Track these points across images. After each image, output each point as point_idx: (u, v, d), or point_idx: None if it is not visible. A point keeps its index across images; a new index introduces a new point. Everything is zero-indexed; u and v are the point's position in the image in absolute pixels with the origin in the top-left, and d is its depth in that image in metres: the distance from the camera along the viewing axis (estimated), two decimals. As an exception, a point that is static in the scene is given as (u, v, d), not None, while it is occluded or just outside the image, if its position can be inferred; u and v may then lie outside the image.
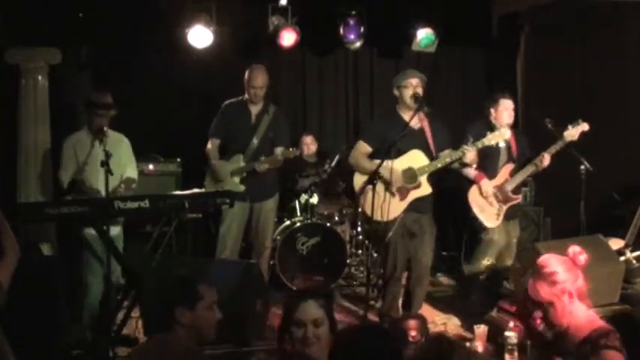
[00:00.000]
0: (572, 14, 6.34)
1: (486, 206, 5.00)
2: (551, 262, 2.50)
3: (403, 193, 4.62)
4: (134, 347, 4.16)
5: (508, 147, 5.06)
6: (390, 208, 4.50)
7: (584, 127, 4.86)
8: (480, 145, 4.55)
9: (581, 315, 2.44)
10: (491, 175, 5.03)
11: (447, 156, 4.56)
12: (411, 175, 4.62)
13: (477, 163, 4.93)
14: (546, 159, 4.89)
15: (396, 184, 4.56)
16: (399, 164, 4.56)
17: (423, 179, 4.62)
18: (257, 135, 5.30)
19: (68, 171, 4.62)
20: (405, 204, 4.63)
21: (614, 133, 6.00)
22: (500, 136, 4.60)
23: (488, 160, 5.03)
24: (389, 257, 4.74)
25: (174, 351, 2.44)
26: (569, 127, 4.85)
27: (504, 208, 4.99)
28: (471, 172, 4.99)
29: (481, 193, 4.99)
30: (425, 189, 4.64)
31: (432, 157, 4.62)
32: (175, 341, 2.47)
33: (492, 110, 5.04)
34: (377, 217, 4.49)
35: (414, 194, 4.63)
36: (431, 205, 4.81)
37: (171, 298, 2.51)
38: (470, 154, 4.52)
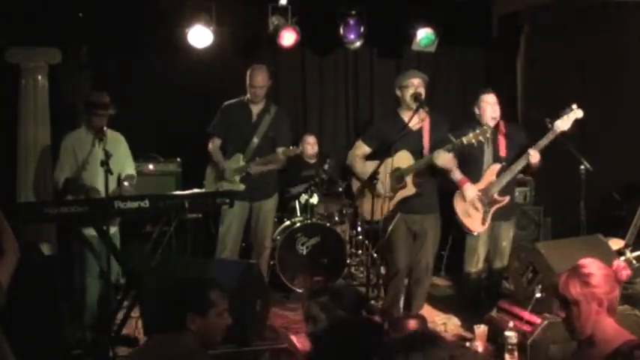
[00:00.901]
0: (572, 14, 6.33)
1: (471, 211, 4.88)
2: (592, 264, 2.41)
3: (390, 193, 4.63)
4: (134, 348, 4.16)
5: (494, 147, 4.92)
6: (381, 207, 4.50)
7: (578, 114, 4.65)
8: (459, 143, 4.49)
9: (608, 328, 2.34)
10: (476, 178, 4.91)
11: (427, 158, 4.56)
12: (397, 176, 4.64)
13: (460, 165, 4.87)
14: (534, 156, 4.69)
15: (385, 184, 4.59)
16: (388, 165, 4.58)
17: (409, 180, 4.63)
18: (257, 134, 5.29)
19: (64, 170, 4.62)
20: (392, 204, 4.64)
21: (614, 133, 5.99)
22: (481, 134, 4.47)
23: (471, 163, 4.92)
24: (390, 255, 4.75)
25: (175, 352, 2.44)
26: (563, 115, 4.66)
27: (490, 211, 4.88)
28: (456, 175, 4.89)
29: (464, 198, 4.89)
30: (409, 189, 4.65)
31: (421, 158, 4.62)
32: (176, 342, 2.47)
33: (476, 108, 4.94)
34: (372, 217, 4.53)
35: (401, 194, 4.66)
36: (435, 206, 4.82)
37: (183, 302, 2.50)
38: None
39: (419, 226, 4.73)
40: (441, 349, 1.88)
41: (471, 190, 4.87)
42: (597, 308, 2.34)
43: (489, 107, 4.88)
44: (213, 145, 5.37)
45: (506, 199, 4.89)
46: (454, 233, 5.60)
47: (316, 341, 2.01)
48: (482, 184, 4.90)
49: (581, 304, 2.36)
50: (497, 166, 4.90)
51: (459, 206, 4.92)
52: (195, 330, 2.46)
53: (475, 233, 4.91)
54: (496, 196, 4.86)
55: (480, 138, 4.49)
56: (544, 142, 4.71)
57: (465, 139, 4.48)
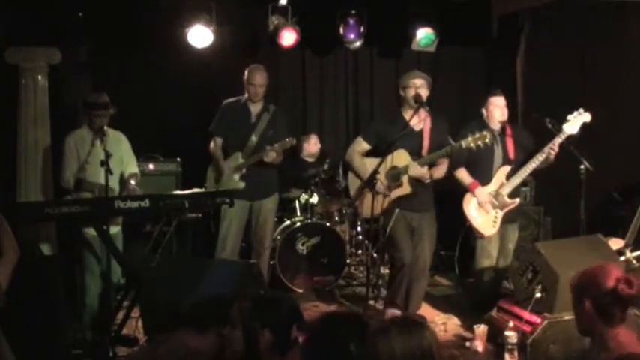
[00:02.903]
0: (572, 14, 6.33)
1: (482, 214, 4.88)
2: (610, 270, 2.38)
3: (387, 191, 4.65)
4: (136, 348, 4.16)
5: (503, 149, 4.91)
6: (380, 204, 4.53)
7: (586, 117, 4.70)
8: (458, 146, 4.48)
9: (607, 337, 2.33)
10: (486, 180, 4.89)
11: (427, 158, 4.59)
12: (394, 175, 4.65)
13: (470, 167, 4.89)
14: (553, 153, 4.71)
15: (382, 182, 4.61)
16: (387, 163, 4.58)
17: (405, 179, 4.64)
18: (256, 133, 5.29)
19: (73, 170, 4.60)
20: (387, 202, 4.64)
21: (613, 133, 5.99)
22: (480, 139, 4.43)
23: (481, 164, 4.90)
24: (395, 250, 4.76)
25: (176, 352, 2.44)
26: (569, 117, 4.71)
27: (501, 214, 4.88)
28: (466, 179, 4.90)
29: (475, 202, 4.88)
30: (405, 189, 4.66)
31: (419, 158, 4.64)
32: (177, 344, 2.46)
33: (484, 110, 4.93)
34: (367, 214, 4.59)
35: (396, 193, 4.67)
36: (431, 204, 4.83)
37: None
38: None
39: (416, 223, 4.77)
40: (423, 331, 1.91)
41: (482, 194, 4.86)
42: (583, 303, 2.36)
43: (498, 110, 4.88)
44: (215, 145, 5.36)
45: (517, 201, 4.91)
46: (464, 234, 5.60)
47: (305, 338, 2.08)
48: (493, 186, 4.89)
49: (573, 295, 2.42)
50: (507, 168, 4.89)
51: (469, 211, 4.91)
52: (217, 339, 2.48)
53: (485, 236, 4.90)
54: (507, 199, 4.85)
55: (479, 143, 4.44)
56: (556, 143, 4.72)
57: (463, 143, 4.47)
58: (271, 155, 5.16)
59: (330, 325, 2.14)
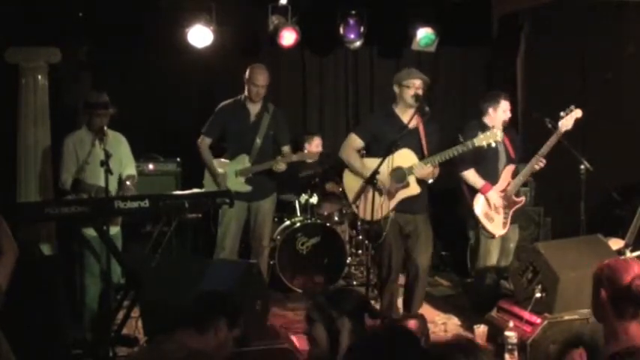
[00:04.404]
0: (572, 14, 6.33)
1: (493, 215, 4.92)
2: (631, 267, 2.40)
3: (391, 192, 4.59)
4: (135, 348, 4.16)
5: (506, 149, 4.97)
6: (378, 207, 4.44)
7: (577, 113, 4.77)
8: (470, 145, 4.47)
9: (618, 329, 2.35)
10: (493, 180, 4.94)
11: (436, 157, 4.51)
12: (399, 175, 4.59)
13: (476, 167, 4.91)
14: (542, 160, 4.84)
15: (385, 183, 4.55)
16: (389, 163, 4.51)
17: (412, 179, 4.59)
18: (259, 134, 5.28)
19: (70, 171, 4.61)
20: (392, 204, 4.59)
21: (614, 133, 5.99)
22: (492, 137, 4.46)
23: (487, 164, 4.94)
24: (384, 258, 4.73)
25: (177, 353, 2.44)
26: (562, 114, 4.78)
27: (510, 213, 4.93)
28: (478, 182, 4.91)
29: (488, 204, 4.90)
30: (413, 189, 4.61)
31: (422, 157, 4.58)
32: (176, 345, 2.46)
33: (491, 110, 4.98)
34: (366, 216, 4.54)
35: (402, 194, 4.60)
36: (426, 206, 4.79)
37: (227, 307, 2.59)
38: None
39: (412, 225, 4.69)
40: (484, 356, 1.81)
41: (495, 196, 4.90)
42: (605, 298, 2.38)
43: (504, 114, 4.97)
44: (203, 143, 5.32)
45: (523, 199, 5.02)
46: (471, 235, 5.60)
47: (349, 354, 1.98)
48: (501, 185, 4.95)
49: (593, 282, 2.45)
50: (512, 167, 4.98)
51: (481, 211, 4.94)
52: (217, 336, 2.50)
53: (497, 236, 4.94)
54: (514, 197, 4.93)
55: (490, 141, 4.47)
56: (552, 142, 4.79)
57: (476, 141, 4.46)
58: (282, 167, 5.16)
59: (385, 347, 1.89)
